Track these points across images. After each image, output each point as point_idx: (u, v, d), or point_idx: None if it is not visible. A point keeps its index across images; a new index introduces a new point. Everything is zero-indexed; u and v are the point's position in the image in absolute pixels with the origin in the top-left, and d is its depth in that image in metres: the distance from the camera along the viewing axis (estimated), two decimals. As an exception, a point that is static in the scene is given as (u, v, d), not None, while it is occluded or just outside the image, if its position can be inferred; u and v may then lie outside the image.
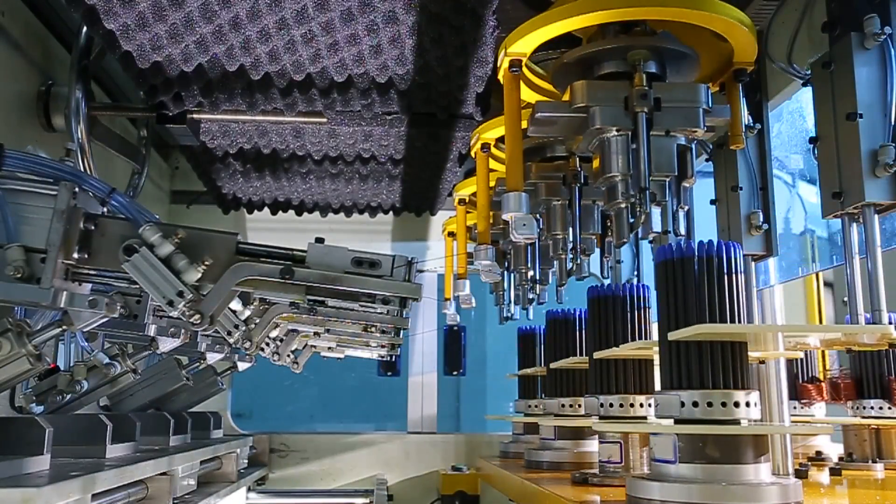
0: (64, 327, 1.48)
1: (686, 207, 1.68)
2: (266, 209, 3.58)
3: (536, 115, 1.53)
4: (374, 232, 3.93)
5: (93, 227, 1.46)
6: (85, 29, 2.21)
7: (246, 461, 3.20)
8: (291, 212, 3.60)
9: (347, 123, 2.48)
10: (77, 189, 1.45)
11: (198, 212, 3.78)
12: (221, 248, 1.47)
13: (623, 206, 1.53)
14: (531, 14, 1.56)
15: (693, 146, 1.65)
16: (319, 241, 1.50)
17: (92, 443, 1.70)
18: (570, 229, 2.23)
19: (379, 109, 2.40)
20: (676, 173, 1.52)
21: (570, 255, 2.23)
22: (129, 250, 1.41)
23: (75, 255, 1.44)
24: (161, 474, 1.86)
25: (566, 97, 1.65)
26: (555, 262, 2.40)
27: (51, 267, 1.39)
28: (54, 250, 1.40)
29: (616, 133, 1.50)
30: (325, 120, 2.45)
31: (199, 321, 1.45)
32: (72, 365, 1.94)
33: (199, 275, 1.43)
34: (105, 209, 1.53)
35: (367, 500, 3.40)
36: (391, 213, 3.67)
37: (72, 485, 1.29)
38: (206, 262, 1.44)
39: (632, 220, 1.55)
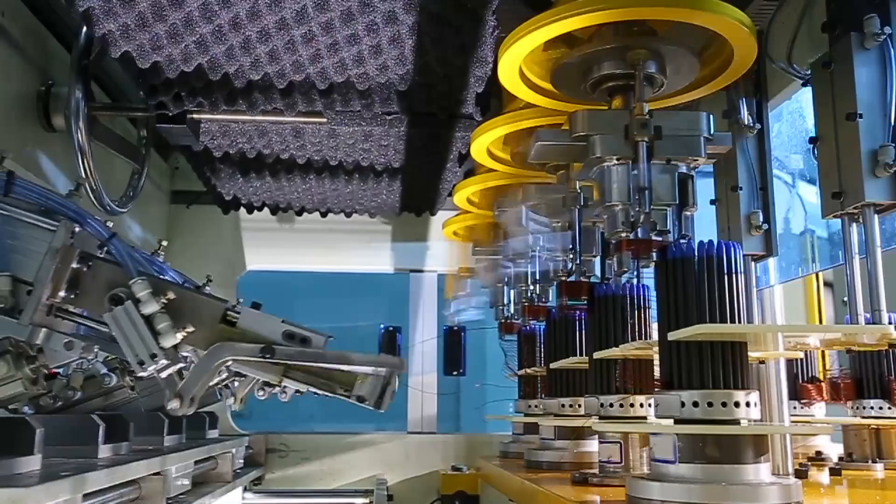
0: (42, 363, 1.45)
1: (689, 237, 1.67)
2: (266, 209, 3.58)
3: (537, 143, 1.53)
4: (374, 232, 3.93)
5: (85, 269, 1.44)
6: (85, 29, 2.21)
7: (242, 461, 3.19)
8: (291, 211, 3.60)
9: (347, 123, 2.48)
10: (77, 229, 1.43)
11: (198, 212, 3.79)
12: (208, 315, 1.44)
13: (624, 235, 1.53)
14: (531, 14, 1.56)
15: (694, 174, 1.65)
16: (256, 306, 1.47)
17: (84, 443, 1.69)
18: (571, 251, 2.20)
19: (379, 109, 2.40)
20: (678, 202, 1.52)
21: (573, 278, 2.21)
22: (115, 300, 1.39)
23: (62, 294, 1.42)
24: (154, 474, 1.84)
25: (566, 126, 1.65)
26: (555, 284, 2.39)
27: (34, 304, 1.38)
28: (40, 287, 1.38)
29: (616, 162, 1.49)
30: (324, 120, 2.45)
31: (177, 406, 1.40)
32: (70, 372, 1.92)
33: (178, 341, 1.39)
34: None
35: (367, 500, 3.39)
36: (391, 213, 3.67)
37: (61, 485, 1.28)
38: (188, 330, 1.41)
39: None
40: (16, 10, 2.09)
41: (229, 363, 1.43)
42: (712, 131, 1.52)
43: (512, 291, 2.99)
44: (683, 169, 1.55)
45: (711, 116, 1.52)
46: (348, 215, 3.64)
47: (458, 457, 3.67)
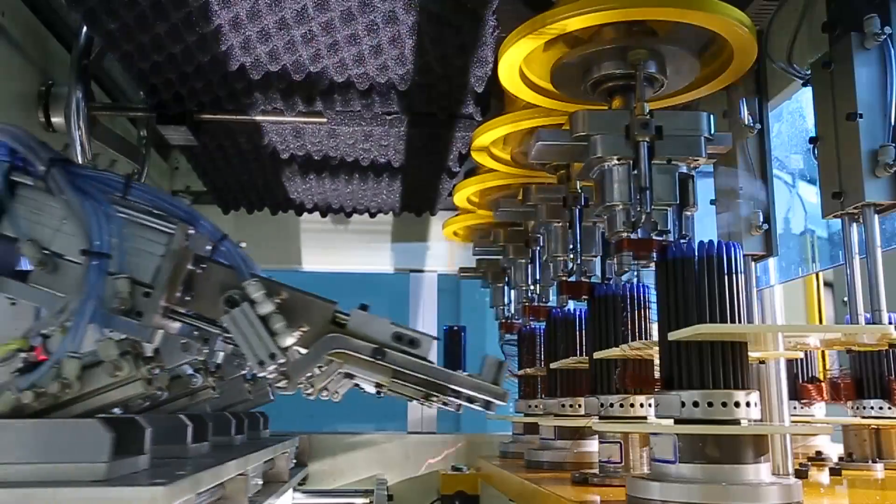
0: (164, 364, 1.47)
1: (689, 236, 1.67)
2: (266, 209, 3.58)
3: (538, 143, 1.53)
4: (374, 232, 3.92)
5: (199, 270, 1.45)
6: (85, 29, 2.21)
7: (294, 461, 3.27)
8: (292, 211, 3.60)
9: (347, 123, 2.48)
10: (190, 231, 1.45)
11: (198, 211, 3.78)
12: (318, 315, 1.46)
13: (625, 235, 1.52)
14: (531, 14, 1.56)
15: (695, 174, 1.65)
16: (364, 308, 1.48)
17: (173, 442, 1.73)
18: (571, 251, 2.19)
19: (379, 109, 2.40)
20: (678, 202, 1.51)
21: (573, 278, 2.20)
22: (230, 302, 1.40)
23: (177, 295, 1.43)
24: (240, 475, 1.86)
25: (566, 126, 1.65)
26: (555, 284, 2.38)
27: (154, 306, 1.39)
28: (160, 290, 1.40)
29: (617, 162, 1.49)
30: (324, 120, 2.45)
31: (285, 385, 1.44)
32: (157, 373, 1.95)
33: (294, 340, 1.41)
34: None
35: (367, 500, 3.39)
36: (391, 213, 3.67)
37: (184, 483, 1.32)
38: (303, 329, 1.43)
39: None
40: (16, 10, 2.09)
41: (341, 367, 1.46)
42: (713, 131, 1.51)
43: (512, 291, 2.99)
44: (684, 169, 1.54)
45: (712, 116, 1.51)
46: (348, 215, 3.64)
47: (458, 457, 3.67)
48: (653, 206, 1.46)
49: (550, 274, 2.33)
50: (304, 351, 1.45)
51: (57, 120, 2.26)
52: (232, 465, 1.77)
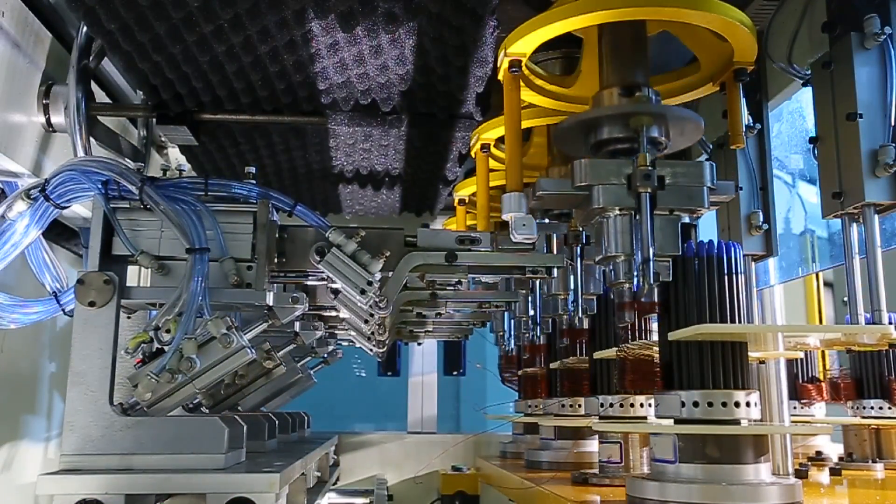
0: (271, 321, 1.76)
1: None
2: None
3: (538, 192, 1.51)
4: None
5: (285, 236, 1.74)
6: (85, 29, 2.20)
7: (333, 459, 3.36)
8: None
9: (347, 124, 2.48)
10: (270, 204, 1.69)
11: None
12: (393, 242, 1.74)
13: (626, 286, 1.50)
14: (531, 14, 1.55)
15: (697, 223, 1.63)
16: (425, 226, 1.85)
17: (252, 438, 1.91)
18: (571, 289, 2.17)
19: (379, 109, 2.40)
20: (680, 253, 1.49)
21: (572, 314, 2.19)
22: (320, 252, 1.67)
23: (275, 261, 1.69)
24: (301, 475, 2.04)
25: (565, 171, 1.63)
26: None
27: (262, 272, 1.64)
28: (262, 258, 1.65)
29: (619, 213, 1.47)
30: (325, 120, 2.45)
31: (385, 304, 1.71)
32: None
33: (381, 265, 1.66)
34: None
35: (367, 500, 3.40)
36: (391, 213, 3.67)
37: (288, 471, 1.60)
38: (386, 255, 1.69)
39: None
40: (16, 10, 2.09)
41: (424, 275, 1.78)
42: (715, 181, 1.48)
43: (512, 321, 2.97)
44: (686, 219, 1.52)
45: (714, 166, 1.48)
46: (348, 215, 3.64)
47: (458, 457, 3.67)
48: (655, 258, 1.42)
49: (550, 310, 2.31)
50: (389, 274, 1.72)
51: (57, 120, 2.26)
52: (309, 457, 2.06)
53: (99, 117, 2.44)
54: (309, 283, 1.88)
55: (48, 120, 2.26)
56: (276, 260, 1.70)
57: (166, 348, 1.52)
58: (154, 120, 2.48)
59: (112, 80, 2.62)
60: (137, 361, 1.56)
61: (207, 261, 1.58)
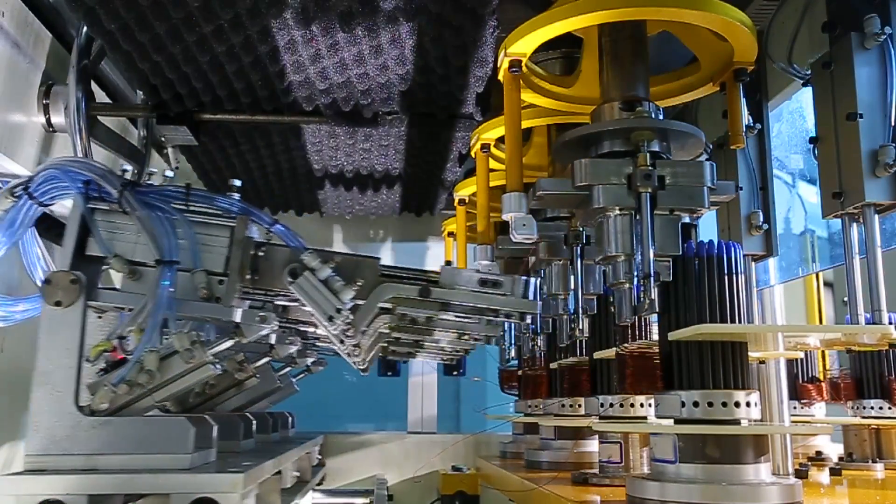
0: (237, 339, 1.70)
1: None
2: (265, 209, 3.58)
3: (538, 192, 1.51)
4: (374, 232, 3.93)
5: (260, 254, 1.69)
6: (85, 29, 2.20)
7: (317, 459, 3.36)
8: (292, 211, 3.60)
9: (347, 124, 2.48)
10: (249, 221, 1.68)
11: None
12: (368, 271, 1.69)
13: (626, 286, 1.49)
14: (531, 14, 1.55)
15: (697, 223, 1.62)
16: (448, 263, 1.77)
17: (226, 438, 1.92)
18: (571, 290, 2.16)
19: (379, 109, 2.40)
20: (680, 253, 1.49)
21: (572, 316, 2.18)
22: (293, 273, 1.62)
23: (247, 277, 1.66)
24: (276, 473, 2.02)
25: (565, 174, 1.62)
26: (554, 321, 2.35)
27: (232, 288, 1.62)
28: (234, 274, 1.63)
29: (619, 212, 1.46)
30: (325, 120, 2.45)
31: (353, 334, 1.70)
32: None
33: (353, 294, 1.62)
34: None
35: (367, 500, 3.39)
36: (391, 213, 3.67)
37: (254, 472, 1.56)
38: (358, 283, 1.64)
39: (636, 304, 1.50)
40: (16, 10, 2.09)
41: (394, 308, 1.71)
42: (715, 181, 1.48)
43: (513, 326, 2.95)
44: (686, 219, 1.51)
45: (714, 166, 1.48)
46: (348, 215, 3.64)
47: (458, 457, 3.67)
48: (655, 258, 1.42)
49: (550, 311, 2.30)
50: (361, 302, 1.67)
51: (57, 120, 2.26)
52: (283, 458, 2.00)
53: (99, 117, 2.44)
54: (278, 303, 1.85)
55: (48, 120, 2.26)
56: (248, 276, 1.67)
57: (129, 358, 1.51)
58: (154, 120, 2.48)
59: (112, 80, 2.62)
60: (114, 353, 1.55)
61: (175, 274, 1.57)
